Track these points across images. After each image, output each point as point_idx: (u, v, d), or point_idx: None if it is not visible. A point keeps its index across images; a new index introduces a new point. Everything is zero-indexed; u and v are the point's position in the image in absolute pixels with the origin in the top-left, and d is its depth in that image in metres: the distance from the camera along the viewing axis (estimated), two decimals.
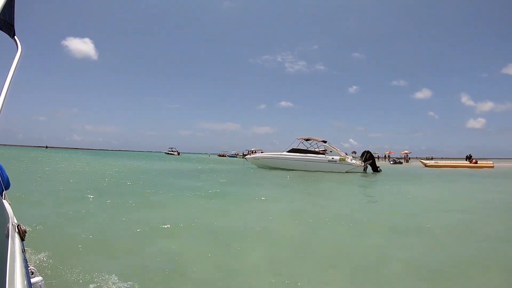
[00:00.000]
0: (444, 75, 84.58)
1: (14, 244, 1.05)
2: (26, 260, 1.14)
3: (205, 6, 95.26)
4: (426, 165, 30.56)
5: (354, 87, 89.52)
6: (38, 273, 1.24)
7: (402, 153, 46.80)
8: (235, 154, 61.96)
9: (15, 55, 1.71)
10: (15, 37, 1.82)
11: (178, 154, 67.84)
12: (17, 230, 1.20)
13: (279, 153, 19.68)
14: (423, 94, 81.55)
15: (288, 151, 19.49)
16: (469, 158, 35.47)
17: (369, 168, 19.18)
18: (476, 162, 30.11)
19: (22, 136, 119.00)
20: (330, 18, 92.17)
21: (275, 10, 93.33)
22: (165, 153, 71.01)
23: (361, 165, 18.67)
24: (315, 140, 19.53)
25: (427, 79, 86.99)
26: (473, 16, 76.73)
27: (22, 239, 1.20)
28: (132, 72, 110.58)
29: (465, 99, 78.40)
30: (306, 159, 18.77)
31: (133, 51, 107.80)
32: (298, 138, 19.82)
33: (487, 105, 74.18)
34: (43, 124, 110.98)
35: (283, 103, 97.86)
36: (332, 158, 18.54)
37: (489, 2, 73.38)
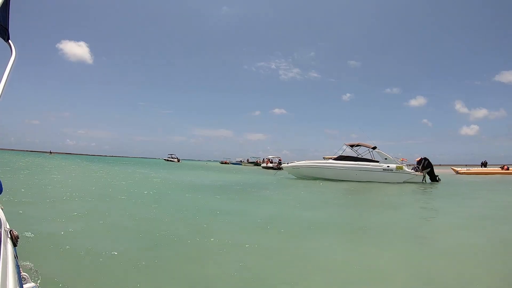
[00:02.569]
0: (438, 82, 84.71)
1: (6, 249, 1.06)
2: (19, 266, 1.10)
3: (203, 11, 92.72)
4: (458, 172, 28.79)
5: (348, 94, 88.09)
6: (30, 279, 1.19)
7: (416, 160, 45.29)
8: (239, 161, 58.92)
9: (9, 58, 1.64)
10: (10, 40, 1.76)
11: (178, 161, 64.26)
12: (9, 236, 1.18)
13: (325, 161, 17.20)
14: (418, 101, 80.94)
15: (334, 159, 17.05)
16: (484, 164, 34.26)
17: (427, 177, 16.93)
18: (508, 169, 28.69)
19: (14, 140, 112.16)
20: (328, 26, 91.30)
21: (273, 16, 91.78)
22: (165, 159, 67.21)
23: (420, 174, 16.40)
24: (366, 146, 17.13)
25: (421, 87, 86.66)
26: (466, 25, 77.58)
27: (14, 244, 1.18)
28: (127, 77, 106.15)
29: (459, 106, 78.26)
30: (358, 168, 16.33)
31: (129, 56, 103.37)
32: (346, 143, 17.41)
33: (481, 112, 74.27)
34: (36, 128, 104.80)
35: (276, 110, 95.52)
36: (388, 166, 16.18)
37: (482, 11, 74.47)
